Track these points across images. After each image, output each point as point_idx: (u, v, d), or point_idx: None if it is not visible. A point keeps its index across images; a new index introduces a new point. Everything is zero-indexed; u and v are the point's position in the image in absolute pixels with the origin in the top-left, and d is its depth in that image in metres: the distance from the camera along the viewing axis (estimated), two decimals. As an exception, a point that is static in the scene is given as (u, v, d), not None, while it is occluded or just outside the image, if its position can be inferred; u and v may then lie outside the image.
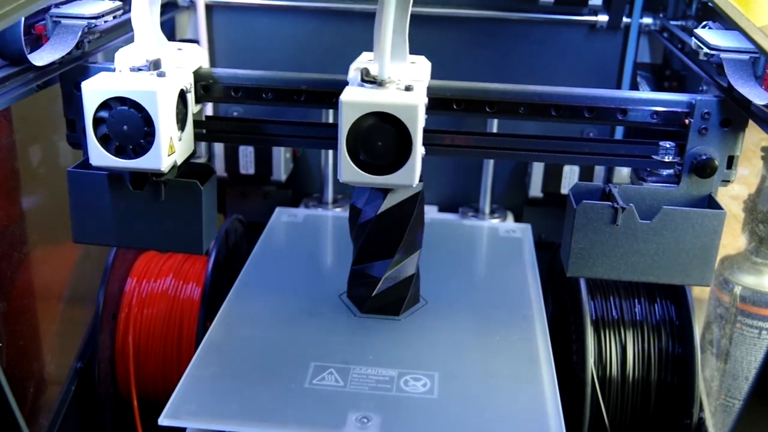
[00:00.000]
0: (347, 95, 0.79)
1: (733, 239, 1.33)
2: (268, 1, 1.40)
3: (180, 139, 0.85)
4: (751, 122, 0.86)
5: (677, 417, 1.07)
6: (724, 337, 1.25)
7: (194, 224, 0.88)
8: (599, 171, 1.41)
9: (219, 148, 1.44)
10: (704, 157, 0.87)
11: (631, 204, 0.86)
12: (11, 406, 0.75)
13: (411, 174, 0.81)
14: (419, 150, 0.81)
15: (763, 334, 1.22)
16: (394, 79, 0.82)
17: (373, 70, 0.82)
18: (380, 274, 0.96)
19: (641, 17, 1.36)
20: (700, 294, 1.35)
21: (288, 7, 1.39)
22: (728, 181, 0.89)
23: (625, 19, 1.36)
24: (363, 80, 0.82)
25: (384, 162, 0.81)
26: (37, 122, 1.19)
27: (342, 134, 0.80)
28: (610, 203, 0.86)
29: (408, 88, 0.81)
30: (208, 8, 1.41)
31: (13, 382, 0.77)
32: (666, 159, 0.89)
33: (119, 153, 0.81)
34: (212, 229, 0.93)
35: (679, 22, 1.27)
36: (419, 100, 0.79)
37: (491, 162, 1.41)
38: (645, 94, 0.90)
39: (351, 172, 0.81)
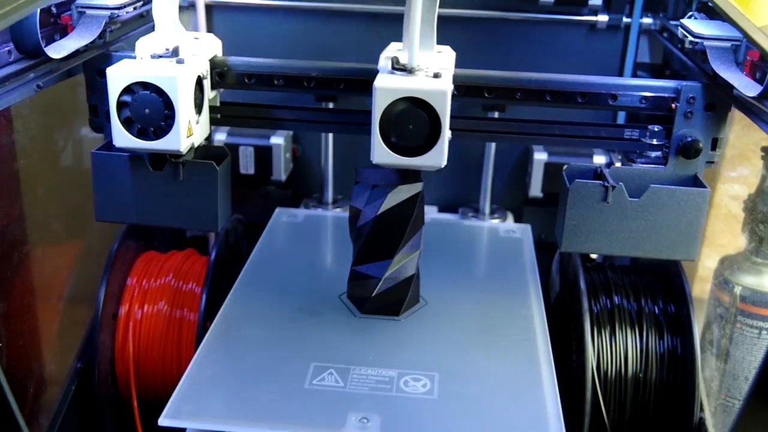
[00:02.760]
0: (381, 81, 0.83)
1: (733, 239, 1.33)
2: (268, 1, 1.40)
3: (197, 123, 0.89)
4: (750, 122, 0.87)
5: (677, 417, 1.07)
6: (724, 337, 1.25)
7: (210, 203, 0.93)
8: (599, 171, 1.41)
9: (219, 147, 1.44)
10: (690, 140, 0.91)
11: (620, 183, 0.90)
12: (11, 406, 0.75)
13: (440, 156, 0.85)
14: (447, 133, 0.84)
15: (763, 334, 1.22)
16: (422, 67, 0.86)
17: (403, 59, 0.86)
18: (380, 275, 0.96)
19: (641, 17, 1.36)
20: (700, 294, 1.35)
21: (288, 7, 1.40)
22: (712, 162, 0.94)
23: (625, 19, 1.36)
24: (393, 68, 0.86)
25: (414, 144, 0.85)
26: (37, 122, 1.19)
27: (375, 118, 0.84)
28: (601, 182, 0.90)
29: (436, 75, 0.85)
30: (208, 8, 1.41)
31: (13, 382, 0.76)
32: (654, 142, 0.93)
33: (141, 135, 0.85)
34: (227, 209, 0.97)
35: (679, 22, 1.27)
36: (448, 86, 0.83)
37: (491, 162, 1.41)
38: (634, 80, 0.96)
39: (383, 154, 0.85)
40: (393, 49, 0.94)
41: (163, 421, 0.80)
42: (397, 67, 0.86)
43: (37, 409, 1.15)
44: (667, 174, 0.93)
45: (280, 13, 1.41)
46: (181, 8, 1.41)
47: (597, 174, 0.94)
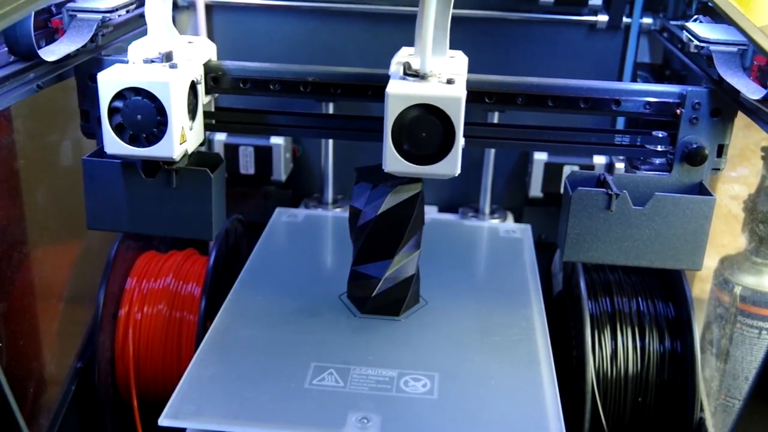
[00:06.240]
0: (393, 87, 0.81)
1: (733, 239, 1.33)
2: (268, 1, 1.40)
3: (191, 129, 0.88)
4: (750, 122, 0.87)
5: (677, 417, 1.07)
6: (724, 337, 1.25)
7: (204, 210, 0.91)
8: (599, 170, 1.41)
9: (219, 148, 1.44)
10: (695, 146, 0.89)
11: (624, 191, 0.88)
12: (11, 406, 0.75)
13: (454, 164, 0.84)
14: (461, 141, 0.83)
15: (763, 334, 1.22)
16: (435, 72, 0.85)
17: (415, 64, 0.85)
18: (380, 275, 0.96)
19: (641, 17, 1.36)
20: (700, 294, 1.35)
21: (287, 7, 1.40)
22: (718, 169, 0.93)
23: (625, 19, 1.36)
24: (405, 74, 0.84)
25: (427, 152, 0.83)
26: (37, 122, 1.19)
27: (387, 125, 0.82)
28: (604, 190, 0.88)
29: (450, 81, 0.83)
30: (208, 8, 1.41)
31: (13, 382, 0.76)
32: (658, 148, 0.92)
33: (133, 141, 0.84)
34: (221, 216, 0.96)
35: (678, 22, 1.27)
36: (462, 92, 0.81)
37: (491, 162, 1.41)
38: (638, 85, 0.93)
39: (395, 162, 0.84)
40: (404, 54, 0.92)
41: (163, 421, 0.80)
42: (409, 72, 0.84)
43: (37, 409, 1.15)
44: (671, 181, 0.92)
45: (280, 13, 1.41)
46: (181, 8, 1.43)
47: (600, 181, 0.92)
